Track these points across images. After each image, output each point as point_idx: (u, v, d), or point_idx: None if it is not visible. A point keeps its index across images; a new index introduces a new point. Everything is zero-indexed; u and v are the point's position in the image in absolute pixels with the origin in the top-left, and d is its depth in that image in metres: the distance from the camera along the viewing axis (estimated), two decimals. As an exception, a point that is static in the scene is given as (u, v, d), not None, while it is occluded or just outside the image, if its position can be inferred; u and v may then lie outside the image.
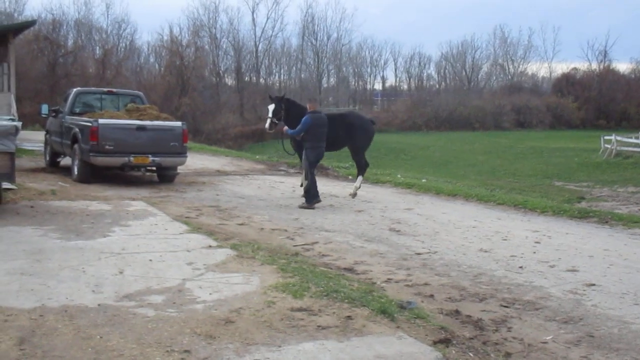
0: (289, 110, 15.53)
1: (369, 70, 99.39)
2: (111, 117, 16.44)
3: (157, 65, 72.33)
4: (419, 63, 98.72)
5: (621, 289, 7.90)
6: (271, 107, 15.43)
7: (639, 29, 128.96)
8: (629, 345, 6.00)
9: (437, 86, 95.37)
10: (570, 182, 32.35)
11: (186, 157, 16.99)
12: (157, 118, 16.93)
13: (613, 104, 78.25)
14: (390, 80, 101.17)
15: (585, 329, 6.40)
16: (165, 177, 17.21)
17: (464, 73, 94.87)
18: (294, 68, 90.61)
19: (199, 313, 6.15)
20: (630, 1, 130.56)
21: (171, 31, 66.81)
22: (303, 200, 14.25)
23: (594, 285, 8.05)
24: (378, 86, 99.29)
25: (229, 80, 78.28)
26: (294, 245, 9.82)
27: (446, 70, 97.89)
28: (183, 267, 7.91)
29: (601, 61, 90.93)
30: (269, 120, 15.44)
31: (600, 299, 7.45)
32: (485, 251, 9.94)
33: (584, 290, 7.81)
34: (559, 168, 37.44)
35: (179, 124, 16.94)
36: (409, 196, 16.65)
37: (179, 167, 17.34)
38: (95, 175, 16.28)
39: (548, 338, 6.14)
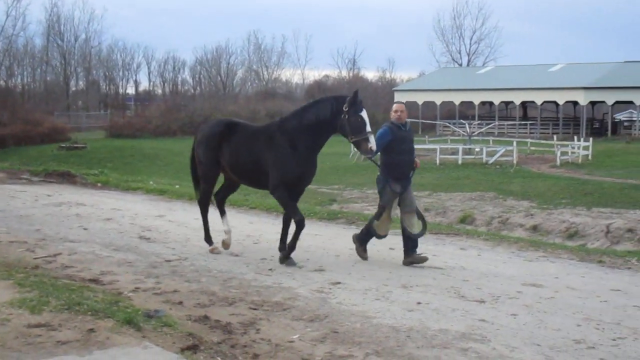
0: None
1: (121, 73, 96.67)
2: None
3: None
4: (174, 67, 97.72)
5: (364, 286, 8.27)
6: (365, 113, 9.54)
7: (384, 40, 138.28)
8: (370, 339, 6.28)
9: (193, 91, 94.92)
10: (323, 185, 33.40)
11: None
12: None
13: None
14: (144, 85, 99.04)
15: (330, 326, 6.60)
16: None
17: (219, 78, 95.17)
18: (39, 70, 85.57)
19: None
20: (376, 14, 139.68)
21: None
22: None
23: (339, 283, 8.36)
24: (131, 90, 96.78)
25: (-37, 82, 72.11)
26: (35, 258, 9.21)
27: (201, 75, 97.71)
28: None
29: (350, 69, 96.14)
30: (373, 138, 9.42)
31: (345, 296, 7.73)
32: (237, 255, 9.99)
33: (330, 289, 8.08)
34: (312, 172, 38.66)
35: None
36: (162, 203, 16.36)
37: None
38: None
39: (295, 337, 6.25)
